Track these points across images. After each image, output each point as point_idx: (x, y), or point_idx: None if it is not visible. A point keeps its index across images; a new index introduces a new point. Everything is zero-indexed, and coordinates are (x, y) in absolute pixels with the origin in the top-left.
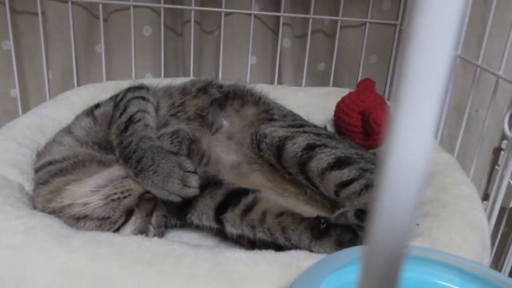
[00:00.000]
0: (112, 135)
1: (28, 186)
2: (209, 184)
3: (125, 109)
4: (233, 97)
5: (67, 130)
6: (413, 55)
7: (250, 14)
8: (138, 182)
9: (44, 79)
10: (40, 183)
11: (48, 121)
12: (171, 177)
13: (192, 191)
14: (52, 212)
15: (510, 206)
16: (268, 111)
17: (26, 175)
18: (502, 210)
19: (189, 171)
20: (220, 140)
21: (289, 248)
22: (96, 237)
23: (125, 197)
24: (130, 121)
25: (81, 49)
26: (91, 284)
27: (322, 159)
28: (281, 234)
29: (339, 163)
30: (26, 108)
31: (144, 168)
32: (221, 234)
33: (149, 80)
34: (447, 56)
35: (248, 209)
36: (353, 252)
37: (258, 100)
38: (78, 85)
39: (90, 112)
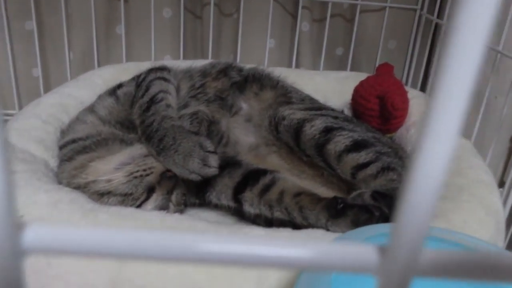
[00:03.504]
0: (134, 115)
1: (53, 163)
2: (227, 164)
3: (147, 90)
4: (252, 80)
5: (90, 109)
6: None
7: None
8: (159, 161)
9: (65, 59)
10: (64, 160)
11: (70, 100)
12: (191, 156)
13: (212, 170)
14: (77, 188)
15: None
16: (286, 95)
17: (51, 152)
18: None
19: (209, 151)
20: (239, 122)
21: (306, 228)
22: (121, 211)
23: (147, 175)
24: (152, 101)
25: (102, 30)
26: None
27: (340, 141)
28: (298, 213)
29: (356, 146)
30: (47, 88)
31: (165, 147)
32: (238, 214)
33: (169, 62)
34: (481, 50)
35: (266, 188)
36: (369, 230)
37: (276, 84)
38: (99, 65)
39: (113, 92)
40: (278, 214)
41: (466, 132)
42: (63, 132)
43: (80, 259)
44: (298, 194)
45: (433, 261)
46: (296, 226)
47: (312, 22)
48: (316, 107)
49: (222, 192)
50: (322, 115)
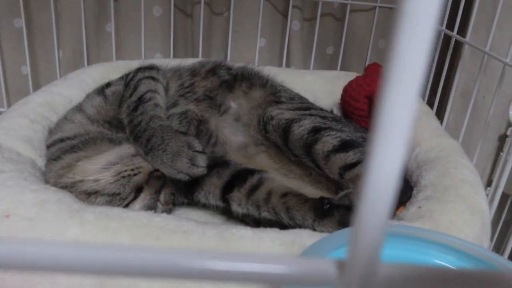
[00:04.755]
0: (123, 114)
1: (40, 162)
2: (216, 164)
3: (135, 89)
4: (241, 79)
5: (78, 108)
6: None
7: None
8: (147, 161)
9: (54, 58)
10: (52, 159)
11: (59, 99)
12: (179, 156)
13: (200, 170)
14: (64, 187)
15: None
16: (275, 94)
17: (38, 151)
18: (505, 196)
19: (197, 151)
20: (228, 121)
21: (293, 228)
22: (107, 211)
23: (135, 175)
24: (141, 100)
25: (92, 28)
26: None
27: (328, 141)
28: (285, 213)
29: (344, 146)
30: (36, 86)
31: (153, 147)
32: (227, 213)
33: (159, 60)
34: (431, 31)
35: (254, 189)
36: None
37: (265, 83)
38: (88, 64)
39: (101, 91)
40: (265, 214)
41: (455, 131)
42: (51, 131)
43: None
44: (285, 194)
45: (389, 274)
46: (283, 225)
47: (302, 21)
48: (305, 107)
49: (210, 192)
50: (310, 115)
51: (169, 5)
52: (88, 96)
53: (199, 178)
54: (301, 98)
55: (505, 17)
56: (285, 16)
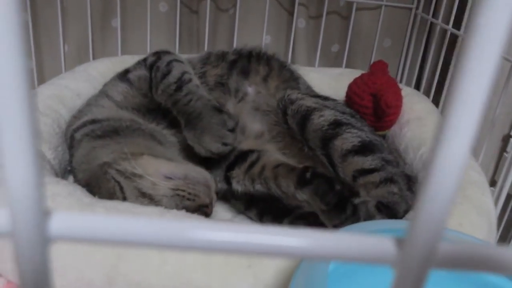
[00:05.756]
0: (160, 96)
1: (50, 155)
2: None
3: (169, 72)
4: (257, 61)
5: (104, 94)
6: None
7: None
8: (184, 135)
9: (60, 52)
10: (92, 137)
11: (67, 91)
12: (210, 132)
13: (227, 148)
14: (121, 172)
15: None
16: (295, 80)
17: (48, 144)
18: (508, 197)
19: (230, 130)
20: (246, 109)
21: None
22: (118, 206)
23: (188, 199)
24: (181, 81)
25: (97, 23)
26: (113, 250)
27: (348, 139)
28: (273, 182)
29: (364, 148)
30: (42, 81)
31: (189, 120)
32: (233, 211)
33: None
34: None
35: (252, 165)
36: (369, 226)
37: (283, 67)
38: (94, 59)
39: (123, 76)
40: (258, 187)
41: None
42: (74, 117)
43: (82, 249)
44: (277, 165)
45: (449, 254)
46: (275, 198)
47: (308, 19)
48: (323, 97)
49: (217, 175)
50: (330, 108)
51: (175, 1)
52: (110, 84)
53: (209, 162)
54: (313, 91)
55: None
56: (290, 13)
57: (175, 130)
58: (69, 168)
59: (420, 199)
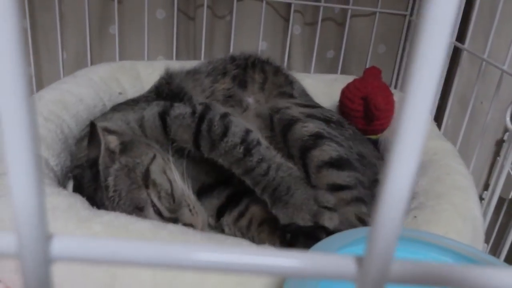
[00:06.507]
0: (222, 157)
1: (53, 162)
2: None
3: (227, 129)
4: (252, 69)
5: (138, 113)
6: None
7: (262, 1)
8: (273, 213)
9: (58, 59)
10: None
11: (69, 96)
12: (302, 210)
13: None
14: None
15: (510, 197)
16: (290, 84)
17: (51, 151)
18: (502, 200)
19: (325, 206)
20: (250, 118)
21: None
22: (114, 222)
23: (190, 210)
24: (248, 143)
25: (95, 30)
26: (108, 268)
27: (326, 151)
28: (260, 240)
29: (340, 162)
30: (40, 87)
31: (277, 197)
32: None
33: (162, 62)
34: (445, 43)
35: (240, 215)
36: (344, 238)
37: (277, 71)
38: (92, 65)
39: (162, 116)
40: (247, 239)
41: (452, 135)
42: (96, 119)
43: (80, 269)
44: (261, 223)
45: (401, 270)
46: None
47: (304, 26)
48: (313, 105)
49: (210, 215)
50: (317, 118)
51: (173, 8)
52: (149, 110)
53: (203, 198)
54: (307, 95)
55: (503, 25)
56: (286, 20)
57: (177, 156)
58: (69, 174)
59: (374, 222)
